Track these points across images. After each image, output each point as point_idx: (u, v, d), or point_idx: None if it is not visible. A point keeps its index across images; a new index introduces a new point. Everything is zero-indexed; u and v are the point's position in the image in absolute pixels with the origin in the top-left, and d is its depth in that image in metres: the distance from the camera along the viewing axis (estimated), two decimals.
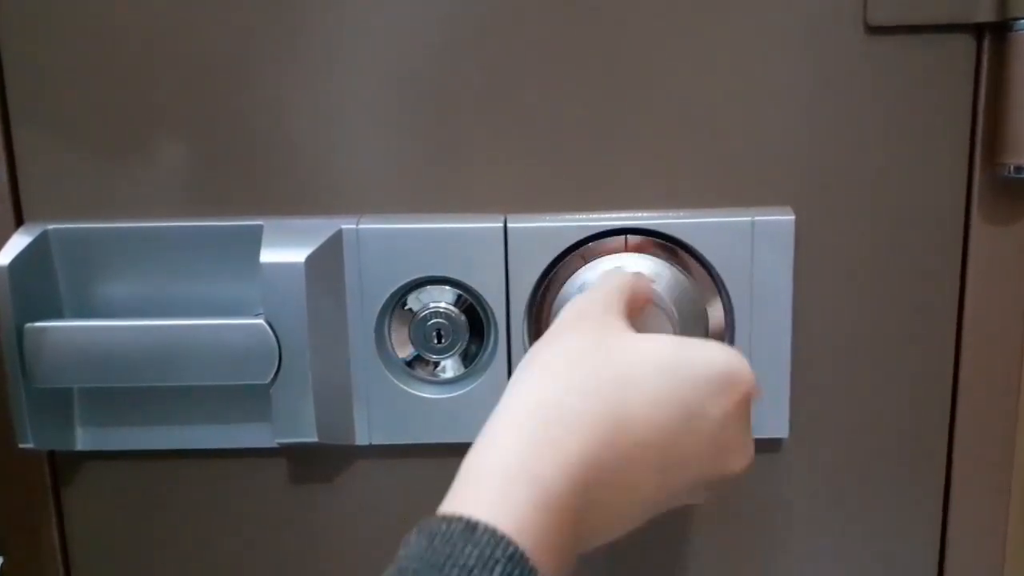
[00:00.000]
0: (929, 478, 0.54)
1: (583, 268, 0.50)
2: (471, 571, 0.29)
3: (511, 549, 0.30)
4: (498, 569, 0.29)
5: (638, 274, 0.47)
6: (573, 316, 0.40)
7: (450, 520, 0.31)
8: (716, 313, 0.51)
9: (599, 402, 0.35)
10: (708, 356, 0.38)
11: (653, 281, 0.48)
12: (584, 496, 0.33)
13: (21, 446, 0.50)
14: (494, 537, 0.30)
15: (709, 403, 0.37)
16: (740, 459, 0.39)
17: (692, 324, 0.50)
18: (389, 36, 0.50)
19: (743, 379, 0.38)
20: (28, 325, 0.49)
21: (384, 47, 0.50)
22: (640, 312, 0.44)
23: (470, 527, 0.30)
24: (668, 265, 0.50)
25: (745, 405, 0.38)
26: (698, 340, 0.39)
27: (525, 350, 0.51)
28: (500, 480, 0.32)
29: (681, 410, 0.36)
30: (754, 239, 0.49)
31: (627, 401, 0.35)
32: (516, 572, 0.30)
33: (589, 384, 0.36)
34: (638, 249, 0.50)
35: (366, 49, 0.50)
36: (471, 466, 0.34)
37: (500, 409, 0.36)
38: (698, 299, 0.50)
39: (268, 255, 0.49)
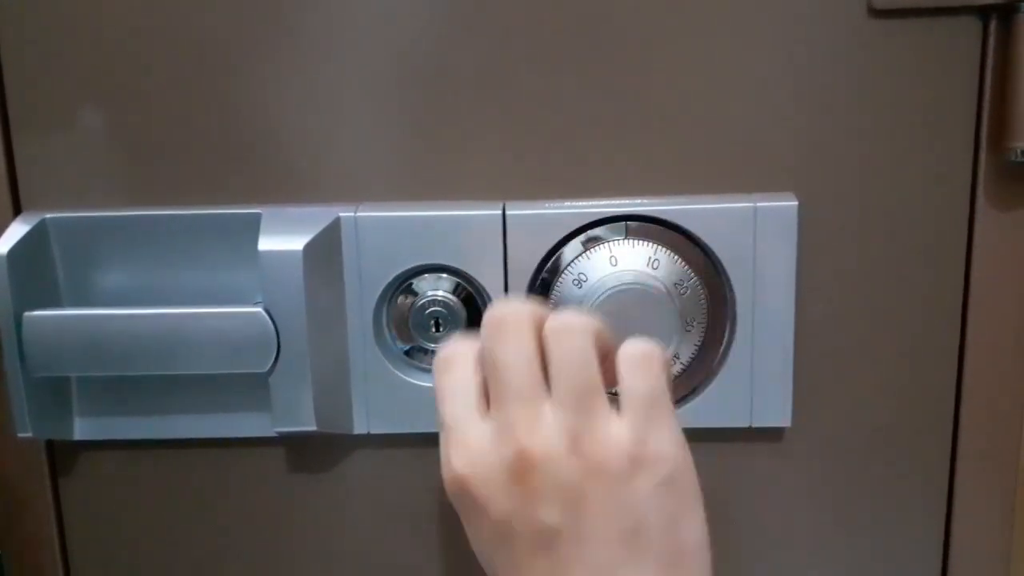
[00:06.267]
0: (933, 467, 0.53)
1: (582, 255, 0.50)
2: None
3: None
4: None
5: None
6: None
7: None
8: (718, 301, 0.50)
9: None
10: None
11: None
12: None
13: (19, 435, 0.50)
14: None
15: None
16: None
17: (692, 313, 0.49)
18: (386, 22, 0.49)
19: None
20: (26, 314, 0.49)
21: (381, 34, 0.49)
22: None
23: None
24: (668, 252, 0.49)
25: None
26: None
27: None
28: None
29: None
30: (756, 225, 0.49)
31: None
32: None
33: None
34: (638, 235, 0.50)
35: (363, 36, 0.49)
36: None
37: None
38: (699, 287, 0.49)
39: (266, 243, 0.48)
